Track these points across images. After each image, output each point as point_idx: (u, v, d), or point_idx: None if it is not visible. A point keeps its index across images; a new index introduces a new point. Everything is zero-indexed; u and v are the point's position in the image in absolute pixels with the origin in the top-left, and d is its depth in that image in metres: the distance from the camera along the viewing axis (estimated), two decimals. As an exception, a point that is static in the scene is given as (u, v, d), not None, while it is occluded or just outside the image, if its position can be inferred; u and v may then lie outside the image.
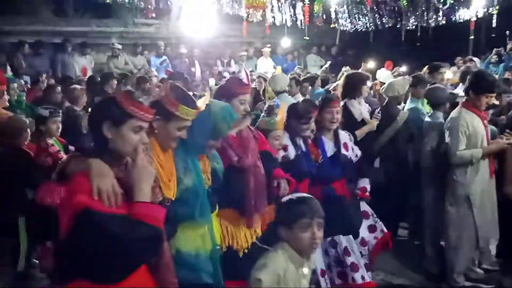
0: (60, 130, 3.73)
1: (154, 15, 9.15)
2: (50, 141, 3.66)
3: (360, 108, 4.19)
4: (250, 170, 2.62)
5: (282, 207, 2.07)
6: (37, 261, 3.86)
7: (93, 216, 1.60)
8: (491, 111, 4.12)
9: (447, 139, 3.67)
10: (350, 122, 3.92)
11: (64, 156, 3.63)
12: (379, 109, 4.36)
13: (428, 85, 4.56)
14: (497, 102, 4.20)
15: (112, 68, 8.88)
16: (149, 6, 8.72)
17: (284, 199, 2.11)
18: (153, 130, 2.03)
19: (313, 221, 1.94)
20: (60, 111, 3.85)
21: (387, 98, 4.68)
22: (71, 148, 3.83)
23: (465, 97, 3.73)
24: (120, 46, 9.38)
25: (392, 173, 4.26)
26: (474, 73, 3.85)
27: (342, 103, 3.90)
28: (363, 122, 4.14)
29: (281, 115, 3.06)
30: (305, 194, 2.13)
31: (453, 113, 3.73)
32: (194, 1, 8.28)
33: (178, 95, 2.09)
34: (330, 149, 3.36)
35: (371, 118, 4.20)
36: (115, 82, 6.51)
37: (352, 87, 4.20)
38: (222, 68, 10.27)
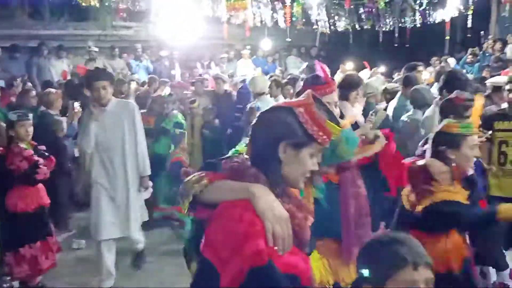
0: (30, 134, 3.68)
1: (125, 14, 9.04)
2: (23, 145, 3.62)
3: (353, 111, 4.15)
4: (348, 190, 2.04)
5: (367, 250, 1.37)
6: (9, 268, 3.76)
7: (273, 274, 1.22)
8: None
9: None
10: None
11: (38, 159, 3.57)
12: (372, 111, 4.37)
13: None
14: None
15: (90, 72, 8.76)
16: (123, 7, 8.65)
17: (370, 239, 1.43)
18: None
19: (418, 275, 1.24)
20: (31, 115, 3.80)
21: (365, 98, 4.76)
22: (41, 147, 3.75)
23: (439, 96, 3.80)
24: (96, 49, 9.26)
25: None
26: (447, 73, 3.94)
27: None
28: (356, 125, 4.10)
29: (475, 115, 2.36)
30: (401, 233, 1.39)
31: (428, 112, 3.79)
32: (174, 4, 8.24)
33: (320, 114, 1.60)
34: None
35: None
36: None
37: (343, 90, 4.10)
38: (203, 70, 10.25)
